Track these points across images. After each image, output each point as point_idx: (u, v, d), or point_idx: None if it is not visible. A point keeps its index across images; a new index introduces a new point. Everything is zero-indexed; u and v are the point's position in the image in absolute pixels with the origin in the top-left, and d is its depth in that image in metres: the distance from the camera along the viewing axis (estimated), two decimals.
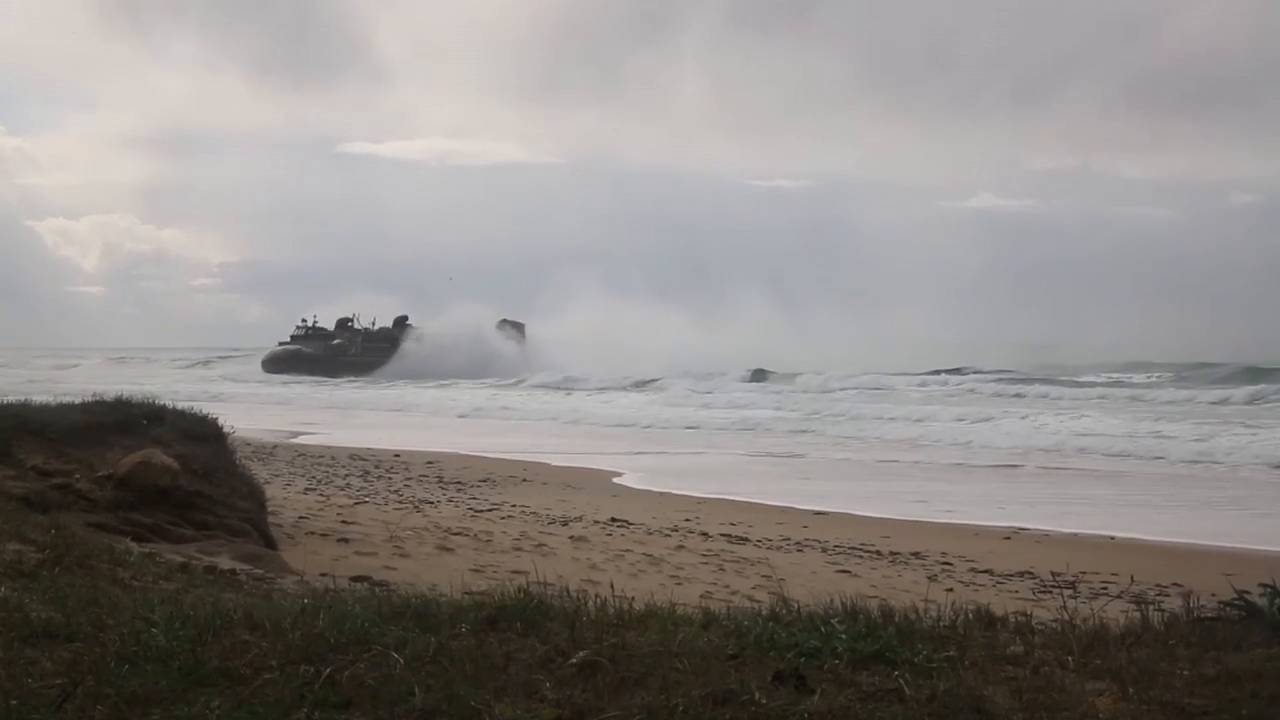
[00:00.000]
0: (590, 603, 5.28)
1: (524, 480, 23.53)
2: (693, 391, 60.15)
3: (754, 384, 68.29)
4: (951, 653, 4.59)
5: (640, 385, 67.04)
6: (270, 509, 13.77)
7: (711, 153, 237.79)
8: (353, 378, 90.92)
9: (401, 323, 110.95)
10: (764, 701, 4.03)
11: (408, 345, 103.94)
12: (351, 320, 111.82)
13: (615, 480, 24.15)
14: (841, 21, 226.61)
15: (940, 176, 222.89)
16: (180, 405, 14.11)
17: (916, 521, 18.39)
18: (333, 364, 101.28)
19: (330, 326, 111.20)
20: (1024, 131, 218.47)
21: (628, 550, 14.41)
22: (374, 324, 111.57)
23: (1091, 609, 5.41)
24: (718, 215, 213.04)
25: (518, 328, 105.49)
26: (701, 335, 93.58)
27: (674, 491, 21.77)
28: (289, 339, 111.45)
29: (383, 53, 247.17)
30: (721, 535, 16.25)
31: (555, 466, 26.52)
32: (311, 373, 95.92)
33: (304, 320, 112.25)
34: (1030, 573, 13.60)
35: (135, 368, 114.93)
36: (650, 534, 16.14)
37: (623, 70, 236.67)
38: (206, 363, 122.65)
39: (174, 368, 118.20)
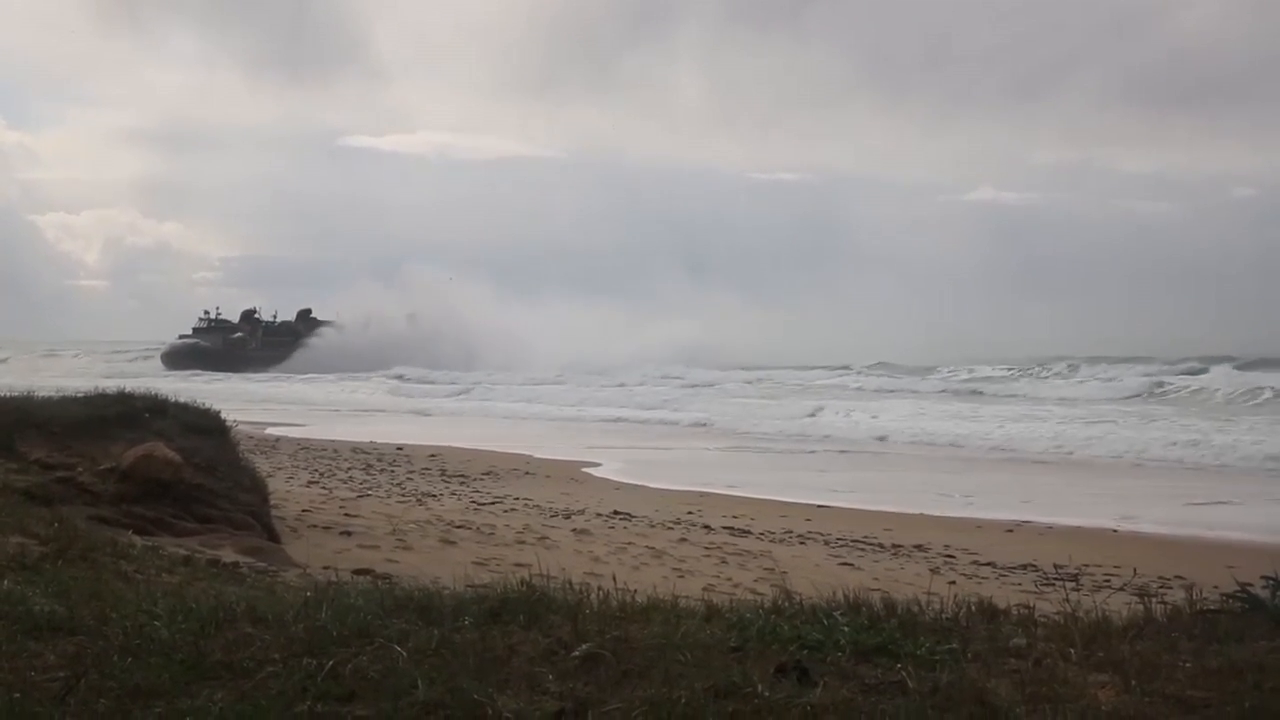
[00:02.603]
0: (593, 595, 5.29)
1: (527, 473, 23.56)
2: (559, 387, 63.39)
3: (664, 377, 69.59)
4: (954, 645, 4.60)
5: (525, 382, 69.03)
6: (273, 502, 13.77)
7: (711, 147, 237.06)
8: (251, 373, 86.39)
9: (305, 315, 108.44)
10: (767, 694, 4.03)
11: (311, 339, 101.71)
12: (256, 313, 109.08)
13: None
14: (839, 16, 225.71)
15: (941, 170, 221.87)
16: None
17: (919, 514, 18.40)
18: (232, 358, 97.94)
19: (282, 319, 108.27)
20: (1024, 126, 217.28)
21: (630, 543, 14.42)
22: (275, 317, 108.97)
23: (1094, 601, 5.41)
24: (718, 209, 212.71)
25: (421, 321, 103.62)
26: (678, 330, 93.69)
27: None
28: (190, 332, 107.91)
29: (381, 48, 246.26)
30: (724, 528, 16.25)
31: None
32: (210, 367, 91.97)
33: (206, 312, 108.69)
34: (1033, 565, 13.60)
35: (62, 362, 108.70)
36: (653, 527, 16.15)
37: (622, 65, 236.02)
38: (106, 356, 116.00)
39: (112, 362, 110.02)
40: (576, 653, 4.43)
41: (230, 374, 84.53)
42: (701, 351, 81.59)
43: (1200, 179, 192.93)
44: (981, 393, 55.97)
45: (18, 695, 3.98)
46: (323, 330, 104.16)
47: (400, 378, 75.12)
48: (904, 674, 4.24)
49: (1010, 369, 63.84)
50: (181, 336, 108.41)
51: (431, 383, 71.79)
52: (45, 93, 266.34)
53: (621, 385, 62.77)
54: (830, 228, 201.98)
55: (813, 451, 30.98)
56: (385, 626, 4.70)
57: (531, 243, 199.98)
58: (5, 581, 5.59)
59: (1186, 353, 61.95)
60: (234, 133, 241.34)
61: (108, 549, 7.35)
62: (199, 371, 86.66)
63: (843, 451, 30.82)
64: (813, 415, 40.09)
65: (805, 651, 4.49)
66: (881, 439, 33.91)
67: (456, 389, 66.63)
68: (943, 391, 57.42)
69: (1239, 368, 54.74)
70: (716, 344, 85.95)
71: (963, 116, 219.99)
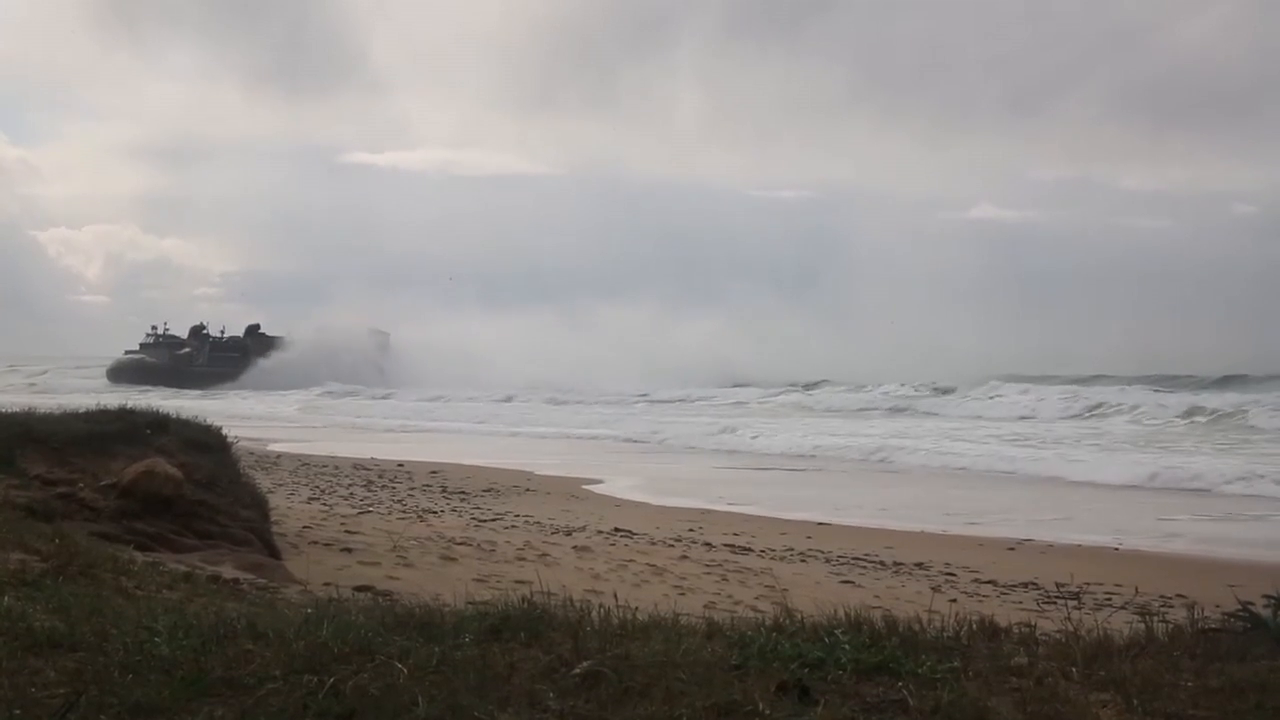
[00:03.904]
0: (594, 613, 5.28)
1: (527, 490, 23.54)
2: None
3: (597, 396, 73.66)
4: (955, 664, 4.59)
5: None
6: (274, 518, 13.76)
7: (711, 163, 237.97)
8: (196, 389, 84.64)
9: (254, 331, 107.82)
10: (768, 713, 4.03)
11: (259, 356, 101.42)
12: (204, 329, 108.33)
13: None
14: (837, 30, 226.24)
15: (940, 187, 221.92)
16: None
17: (920, 532, 18.38)
18: (178, 374, 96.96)
19: (230, 335, 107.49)
20: (1023, 142, 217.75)
21: (631, 560, 14.40)
22: (223, 333, 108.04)
23: (1095, 620, 5.40)
24: (716, 224, 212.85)
25: (382, 336, 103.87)
26: (661, 347, 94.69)
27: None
28: (138, 347, 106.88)
29: (380, 64, 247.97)
30: (725, 545, 16.24)
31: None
32: (156, 383, 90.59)
33: (154, 328, 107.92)
34: (1034, 583, 13.58)
35: (10, 379, 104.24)
36: (654, 544, 16.13)
37: (621, 81, 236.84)
38: (76, 372, 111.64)
39: (85, 378, 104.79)
40: (577, 670, 4.42)
41: (178, 390, 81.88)
42: (680, 368, 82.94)
43: (1200, 196, 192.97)
44: (904, 409, 60.06)
45: (18, 712, 3.97)
46: (275, 347, 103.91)
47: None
48: (905, 692, 4.23)
49: (941, 389, 66.08)
50: (128, 352, 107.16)
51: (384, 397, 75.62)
52: (45, 107, 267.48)
53: (562, 403, 67.29)
54: (829, 244, 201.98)
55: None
56: (386, 643, 4.69)
57: (529, 258, 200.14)
58: (6, 598, 5.58)
59: (1180, 370, 63.57)
60: (233, 147, 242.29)
61: (108, 565, 7.34)
62: (144, 388, 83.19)
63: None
64: (724, 432, 42.73)
65: (806, 670, 4.48)
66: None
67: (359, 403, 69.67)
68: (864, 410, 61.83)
69: (1205, 387, 57.60)
70: (699, 361, 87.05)
71: (961, 131, 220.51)
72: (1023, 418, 51.09)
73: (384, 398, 75.21)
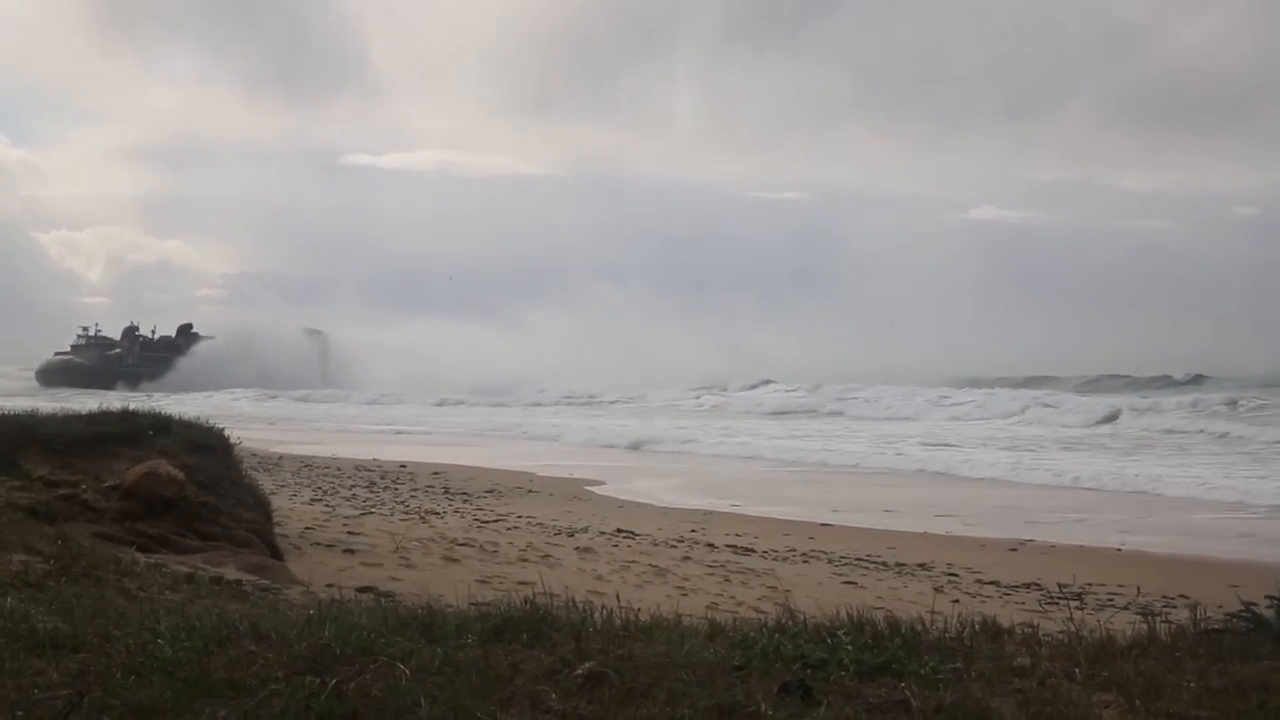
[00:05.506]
0: (596, 614, 5.28)
1: (530, 491, 23.54)
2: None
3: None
4: (958, 664, 4.58)
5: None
6: (276, 520, 13.76)
7: (710, 165, 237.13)
8: (126, 390, 79.96)
9: (185, 331, 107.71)
10: (770, 713, 4.03)
11: (187, 355, 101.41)
12: (137, 329, 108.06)
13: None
14: (835, 34, 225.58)
15: (940, 189, 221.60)
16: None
17: (922, 533, 18.37)
18: (108, 375, 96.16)
19: (162, 335, 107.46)
20: (1024, 144, 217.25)
21: (633, 561, 14.40)
22: (154, 333, 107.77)
23: (1098, 620, 5.40)
24: (716, 226, 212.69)
25: (319, 336, 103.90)
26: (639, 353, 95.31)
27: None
28: (68, 348, 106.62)
29: (380, 66, 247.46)
30: (727, 546, 16.24)
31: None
32: (86, 384, 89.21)
33: (84, 328, 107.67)
34: (1037, 584, 13.58)
35: None
36: (656, 545, 16.13)
37: (620, 84, 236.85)
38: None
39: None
40: (580, 671, 4.42)
41: (102, 391, 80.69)
42: (656, 369, 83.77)
43: (1200, 197, 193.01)
44: (814, 410, 62.41)
45: (21, 713, 3.98)
46: (200, 345, 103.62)
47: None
48: (908, 693, 4.23)
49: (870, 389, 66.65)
50: (58, 353, 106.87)
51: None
52: (47, 111, 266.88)
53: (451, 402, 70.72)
54: (829, 245, 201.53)
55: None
56: (388, 644, 4.69)
57: (528, 259, 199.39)
58: (9, 599, 5.59)
59: (1162, 370, 64.78)
60: (234, 150, 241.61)
61: (111, 566, 7.35)
62: (72, 390, 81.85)
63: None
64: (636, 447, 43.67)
65: (809, 670, 4.48)
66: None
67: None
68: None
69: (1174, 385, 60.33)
70: (683, 362, 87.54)
71: (962, 133, 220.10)
72: (888, 418, 54.25)
73: (272, 398, 75.45)
